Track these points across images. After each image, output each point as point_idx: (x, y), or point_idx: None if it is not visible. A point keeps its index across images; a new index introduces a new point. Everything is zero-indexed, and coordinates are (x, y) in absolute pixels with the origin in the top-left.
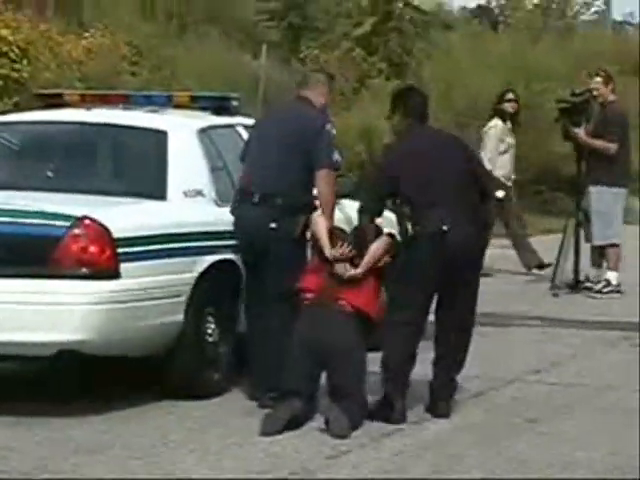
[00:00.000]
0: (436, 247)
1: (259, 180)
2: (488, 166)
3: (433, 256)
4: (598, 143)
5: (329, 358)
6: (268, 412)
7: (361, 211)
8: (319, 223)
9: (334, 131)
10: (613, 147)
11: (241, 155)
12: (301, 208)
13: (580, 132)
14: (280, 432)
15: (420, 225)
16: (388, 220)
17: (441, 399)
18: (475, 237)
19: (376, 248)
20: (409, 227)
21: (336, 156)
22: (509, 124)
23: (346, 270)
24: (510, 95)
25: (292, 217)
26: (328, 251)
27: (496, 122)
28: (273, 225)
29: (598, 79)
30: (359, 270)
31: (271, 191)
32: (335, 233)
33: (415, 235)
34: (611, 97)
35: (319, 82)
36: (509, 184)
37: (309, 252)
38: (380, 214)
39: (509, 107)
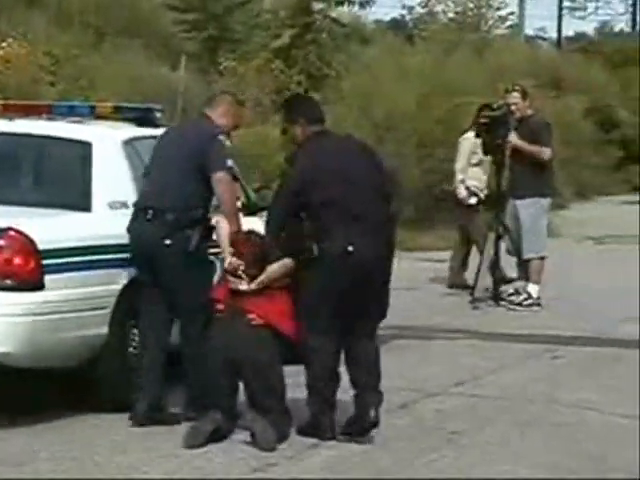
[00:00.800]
0: (340, 268)
1: (153, 196)
2: (459, 176)
3: (337, 277)
4: (535, 148)
5: (242, 371)
6: (192, 425)
7: (267, 227)
8: (221, 227)
9: (228, 142)
10: (548, 151)
11: (144, 171)
12: (194, 222)
13: (514, 137)
14: (203, 445)
15: (325, 244)
16: None
17: (370, 409)
18: (384, 255)
19: (272, 270)
20: (313, 247)
21: (230, 163)
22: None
23: (239, 283)
24: (486, 111)
25: (184, 232)
26: (226, 259)
27: (470, 135)
28: (167, 242)
29: (515, 94)
30: (251, 286)
31: (163, 207)
32: (241, 238)
33: (319, 255)
34: (529, 111)
35: (224, 102)
36: (481, 195)
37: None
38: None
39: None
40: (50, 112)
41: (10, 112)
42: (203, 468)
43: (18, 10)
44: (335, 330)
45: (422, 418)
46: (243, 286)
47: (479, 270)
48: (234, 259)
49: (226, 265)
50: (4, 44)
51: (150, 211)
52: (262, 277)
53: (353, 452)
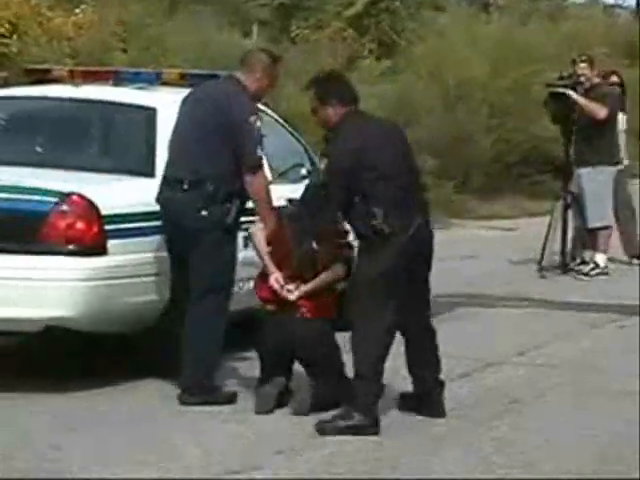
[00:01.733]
0: (409, 247)
1: (187, 166)
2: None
3: (406, 256)
4: (592, 105)
5: (303, 366)
6: (259, 390)
7: (322, 214)
8: (258, 239)
9: (259, 123)
10: (603, 111)
11: (171, 137)
12: (232, 194)
13: (573, 93)
14: (273, 410)
15: (394, 222)
16: None
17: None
18: (430, 232)
19: (323, 279)
20: (384, 227)
21: (260, 152)
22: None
23: (287, 294)
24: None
25: (223, 204)
26: (269, 269)
27: None
28: (204, 212)
29: (583, 64)
30: (295, 294)
31: (201, 177)
32: (281, 236)
33: (386, 236)
34: (596, 80)
35: (259, 65)
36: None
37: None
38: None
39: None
40: (116, 78)
41: (76, 78)
42: (260, 432)
43: None
44: (394, 313)
45: (483, 387)
46: (292, 296)
47: (546, 239)
48: (278, 275)
49: (271, 281)
50: (77, 10)
51: (186, 181)
52: (311, 285)
53: (413, 420)
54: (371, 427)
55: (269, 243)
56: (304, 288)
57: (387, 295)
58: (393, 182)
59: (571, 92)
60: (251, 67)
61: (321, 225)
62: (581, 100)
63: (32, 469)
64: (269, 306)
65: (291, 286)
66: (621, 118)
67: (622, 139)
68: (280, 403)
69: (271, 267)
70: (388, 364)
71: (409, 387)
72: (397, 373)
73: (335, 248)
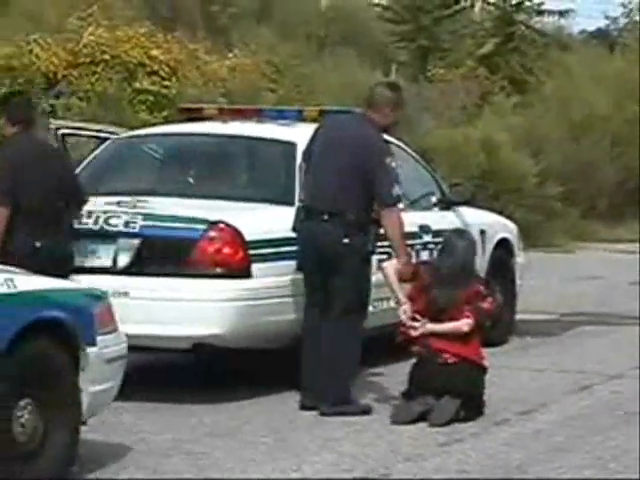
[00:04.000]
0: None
1: (326, 198)
2: None
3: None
4: None
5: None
6: (404, 403)
7: None
8: (387, 269)
9: (394, 164)
10: None
11: (305, 170)
12: (370, 222)
13: None
14: (411, 423)
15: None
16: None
17: None
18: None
19: (450, 328)
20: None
21: (397, 190)
22: None
23: (414, 328)
24: None
25: (362, 232)
26: (400, 300)
27: None
28: (346, 240)
29: None
30: (419, 331)
31: (340, 208)
32: (419, 269)
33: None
34: None
35: (385, 101)
36: None
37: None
38: None
39: None
40: (260, 116)
41: (225, 115)
42: (392, 441)
43: (249, 24)
44: None
45: (602, 399)
46: (414, 332)
47: None
48: (407, 307)
49: (400, 312)
50: (230, 55)
51: (326, 212)
52: (437, 328)
53: (531, 429)
54: None
55: (410, 279)
56: (430, 326)
57: None
58: (38, 202)
59: None
60: (378, 104)
61: (469, 271)
62: None
63: (185, 471)
64: (414, 348)
65: (417, 323)
66: None
67: None
68: (418, 419)
69: (401, 298)
70: None
71: None
72: None
73: (476, 300)
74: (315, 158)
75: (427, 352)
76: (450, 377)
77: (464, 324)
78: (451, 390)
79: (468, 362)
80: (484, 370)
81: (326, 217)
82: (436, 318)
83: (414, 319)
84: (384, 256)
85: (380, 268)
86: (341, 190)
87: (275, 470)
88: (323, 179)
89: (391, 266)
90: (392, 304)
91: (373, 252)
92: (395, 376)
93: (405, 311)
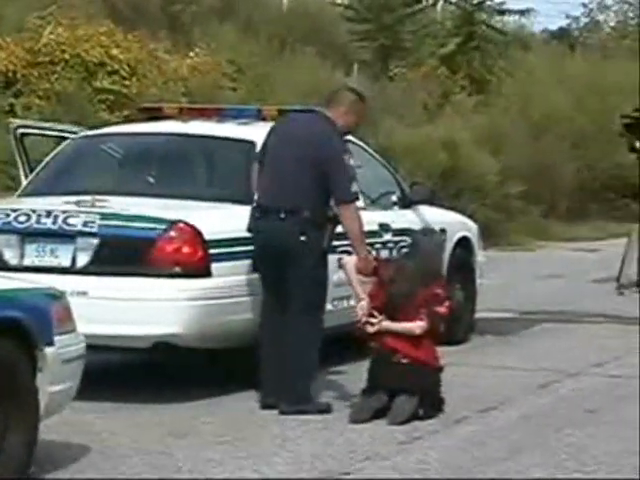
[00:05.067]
0: None
1: (282, 196)
2: None
3: None
4: None
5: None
6: (358, 401)
7: None
8: (347, 265)
9: (352, 161)
10: None
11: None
12: (327, 220)
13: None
14: (368, 421)
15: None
16: None
17: None
18: None
19: (404, 328)
20: None
21: (354, 187)
22: None
23: (369, 325)
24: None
25: (320, 229)
26: (359, 296)
27: None
28: (303, 238)
29: None
30: (375, 328)
31: (297, 206)
32: (379, 266)
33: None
34: None
35: (346, 101)
36: None
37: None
38: None
39: None
40: (220, 115)
41: (185, 115)
42: (352, 440)
43: (211, 23)
44: None
45: (561, 397)
46: (371, 329)
47: (625, 259)
48: (365, 303)
49: (358, 309)
50: (191, 53)
51: (282, 210)
52: (393, 326)
53: (492, 427)
54: None
55: (370, 275)
56: (385, 324)
57: None
58: None
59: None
60: (338, 104)
61: (431, 273)
62: None
63: (144, 471)
64: (372, 343)
65: (374, 320)
66: None
67: None
68: (376, 417)
69: (360, 294)
70: None
71: None
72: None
73: (433, 302)
74: (270, 156)
75: (382, 350)
76: (404, 376)
77: (417, 327)
78: (406, 389)
79: (421, 363)
80: (439, 370)
81: (282, 215)
82: (393, 316)
83: (371, 315)
84: (345, 255)
85: (340, 265)
86: (297, 188)
87: (234, 470)
88: (279, 177)
89: (351, 262)
90: (353, 303)
91: (329, 249)
92: (356, 374)
93: (362, 307)
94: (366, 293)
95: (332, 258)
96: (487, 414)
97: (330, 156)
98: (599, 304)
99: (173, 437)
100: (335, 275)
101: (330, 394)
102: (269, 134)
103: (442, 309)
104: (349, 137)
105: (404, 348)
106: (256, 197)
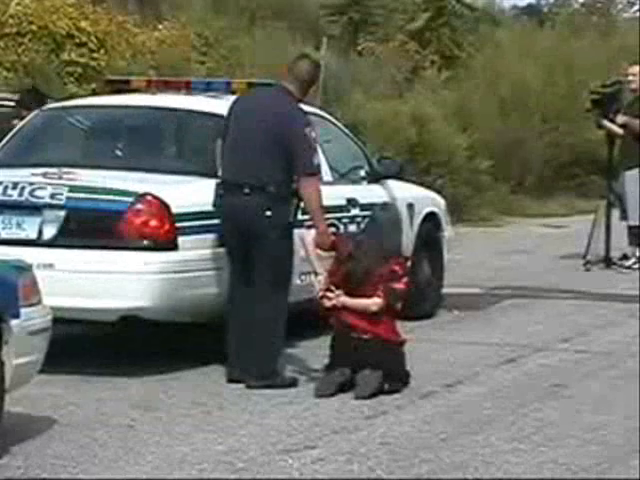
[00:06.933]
0: None
1: (246, 172)
2: None
3: None
4: (631, 121)
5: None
6: (323, 376)
7: None
8: (306, 239)
9: (313, 134)
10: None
11: (222, 144)
12: (291, 195)
13: (607, 123)
14: (334, 395)
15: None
16: None
17: None
18: None
19: (360, 304)
20: None
21: (316, 159)
22: None
23: (327, 301)
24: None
25: (285, 204)
26: (317, 270)
27: None
28: (268, 213)
29: (636, 67)
30: (331, 302)
31: (262, 181)
32: (338, 240)
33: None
34: None
35: (304, 72)
36: None
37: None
38: None
39: None
40: (189, 88)
41: (153, 88)
42: (318, 414)
43: None
44: None
45: (528, 371)
46: (327, 303)
47: (591, 235)
48: (322, 277)
49: (315, 284)
50: (160, 26)
51: (247, 186)
52: (349, 302)
53: (456, 401)
54: None
55: (328, 249)
56: (342, 299)
57: None
58: None
59: (605, 122)
60: (298, 75)
61: (390, 249)
62: (614, 128)
63: (110, 444)
64: (332, 319)
65: (331, 294)
66: None
67: None
68: (342, 390)
69: (318, 268)
70: None
71: None
72: None
73: (391, 279)
74: (232, 132)
75: (342, 325)
76: (364, 351)
77: (372, 303)
78: (368, 364)
79: (380, 338)
80: (401, 344)
81: (247, 191)
82: (352, 292)
83: (329, 290)
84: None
85: (300, 238)
86: (261, 163)
87: (201, 443)
88: (242, 152)
89: (309, 236)
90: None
91: (294, 224)
92: (323, 349)
93: (320, 281)
94: (326, 268)
95: (299, 232)
96: (454, 389)
97: (292, 129)
98: (567, 280)
99: (140, 410)
100: (302, 250)
101: (296, 368)
102: (230, 110)
103: (399, 285)
104: (318, 111)
105: (362, 324)
106: (220, 173)
